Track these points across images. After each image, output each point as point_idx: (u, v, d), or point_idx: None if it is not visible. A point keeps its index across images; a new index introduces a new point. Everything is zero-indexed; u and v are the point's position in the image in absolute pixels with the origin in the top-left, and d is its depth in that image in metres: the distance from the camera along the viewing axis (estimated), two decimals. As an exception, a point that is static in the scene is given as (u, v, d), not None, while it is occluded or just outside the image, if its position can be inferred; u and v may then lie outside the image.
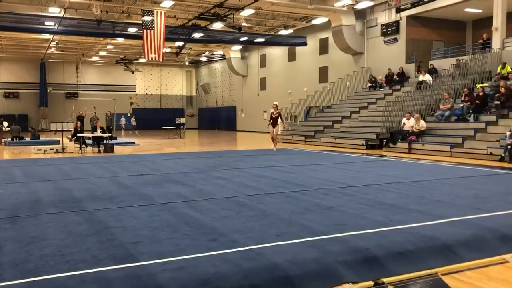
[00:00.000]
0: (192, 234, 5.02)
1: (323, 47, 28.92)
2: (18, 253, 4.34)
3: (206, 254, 4.27)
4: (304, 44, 29.54)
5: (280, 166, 11.71)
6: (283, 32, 29.40)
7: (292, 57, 32.40)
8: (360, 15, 25.17)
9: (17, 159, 15.16)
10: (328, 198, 7.17)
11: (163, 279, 3.61)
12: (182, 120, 31.88)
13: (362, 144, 18.27)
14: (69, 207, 6.54)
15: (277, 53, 34.15)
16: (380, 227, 5.23)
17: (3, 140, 23.25)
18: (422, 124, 16.68)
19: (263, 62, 36.31)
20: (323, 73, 29.03)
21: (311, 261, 4.08)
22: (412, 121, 16.90)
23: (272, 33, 30.15)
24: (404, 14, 22.40)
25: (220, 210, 6.26)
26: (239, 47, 36.56)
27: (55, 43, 33.28)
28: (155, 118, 42.71)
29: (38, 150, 17.02)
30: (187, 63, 45.78)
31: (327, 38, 28.14)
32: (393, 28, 23.43)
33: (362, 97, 23.96)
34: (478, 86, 17.18)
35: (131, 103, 43.28)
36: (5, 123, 25.05)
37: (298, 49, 31.06)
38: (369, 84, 24.16)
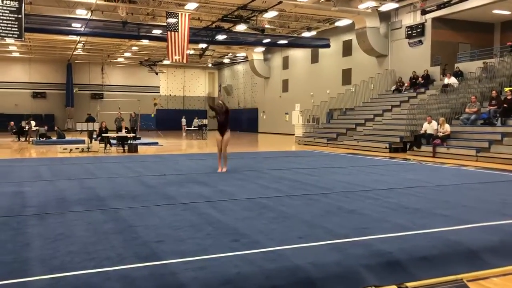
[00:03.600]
0: (214, 234, 5.06)
1: (347, 49, 28.74)
2: (45, 249, 4.44)
3: (228, 254, 4.29)
4: (327, 46, 29.42)
5: (302, 168, 11.68)
6: (306, 34, 29.34)
7: (315, 59, 32.29)
8: (385, 17, 24.92)
9: (44, 157, 15.51)
10: (350, 201, 7.12)
11: (185, 278, 3.65)
12: (205, 121, 32.11)
13: (386, 148, 18.06)
14: (94, 205, 6.67)
15: (299, 55, 34.09)
16: (404, 231, 5.17)
17: (31, 139, 23.84)
18: (446, 128, 16.40)
19: (285, 64, 36.29)
20: (346, 75, 28.84)
21: (333, 264, 4.06)
22: (434, 124, 16.62)
23: (295, 35, 30.12)
24: (429, 16, 22.08)
25: (241, 211, 6.29)
26: (261, 49, 36.64)
27: (82, 44, 33.98)
28: (178, 119, 43.08)
29: (64, 149, 17.39)
30: (210, 65, 46.11)
31: (350, 40, 27.95)
32: (418, 30, 23.12)
33: (386, 100, 23.71)
34: (506, 89, 16.78)
35: (155, 104, 43.78)
36: (33, 123, 25.67)
37: (321, 51, 30.95)
38: (394, 87, 23.89)
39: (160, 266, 3.96)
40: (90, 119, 21.97)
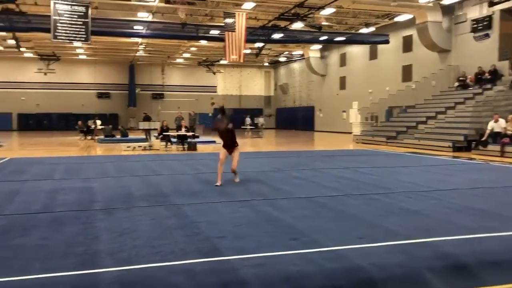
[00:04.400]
0: (273, 231, 5.08)
1: (407, 45, 27.83)
2: (113, 243, 4.66)
3: (288, 252, 4.30)
4: (386, 42, 28.62)
5: (361, 168, 11.46)
6: (364, 30, 28.70)
7: (373, 55, 31.54)
8: (448, 10, 23.87)
9: (109, 155, 16.24)
10: (413, 201, 6.90)
11: (246, 275, 3.70)
12: (261, 120, 32.30)
13: (449, 146, 17.32)
14: (157, 201, 6.91)
15: (357, 51, 33.44)
16: (470, 234, 4.94)
17: (96, 137, 25.05)
18: (516, 126, 15.47)
19: (343, 61, 35.73)
20: (407, 72, 27.94)
21: (396, 265, 3.96)
22: (502, 122, 15.71)
23: (353, 31, 29.55)
24: (497, 7, 20.87)
25: (299, 210, 6.27)
26: (318, 46, 36.28)
27: (143, 46, 35.23)
28: (234, 118, 43.58)
29: (127, 147, 18.14)
30: (266, 64, 46.28)
31: (411, 36, 27.04)
32: (485, 23, 21.93)
33: (449, 97, 22.71)
34: None
35: (212, 104, 44.60)
36: (98, 122, 26.96)
37: (380, 47, 30.18)
38: (457, 84, 22.84)
39: (222, 262, 4.04)
40: (147, 118, 23.12)
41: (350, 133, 28.02)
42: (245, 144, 22.96)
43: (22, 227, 5.30)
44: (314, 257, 4.16)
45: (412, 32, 26.29)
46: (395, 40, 28.56)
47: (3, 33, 28.49)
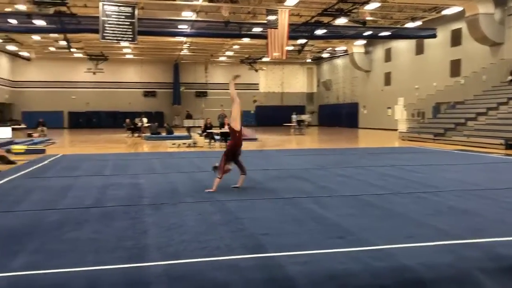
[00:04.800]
0: (318, 229, 5.05)
1: (455, 39, 26.87)
2: (161, 237, 4.78)
3: (333, 250, 4.27)
4: (434, 36, 27.76)
5: (407, 165, 11.18)
6: (410, 24, 27.94)
7: (419, 50, 30.66)
8: (500, 1, 22.85)
9: (155, 152, 16.66)
10: (463, 200, 6.67)
11: (292, 272, 3.70)
12: (303, 117, 32.13)
13: (501, 144, 16.60)
14: (202, 197, 7.02)
15: (403, 46, 32.60)
16: (526, 235, 4.72)
17: (143, 135, 25.74)
18: None
19: (387, 56, 34.95)
20: (455, 66, 26.98)
21: (446, 266, 3.85)
22: None
23: (399, 26, 28.84)
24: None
25: (345, 208, 6.20)
26: (362, 42, 35.66)
27: (187, 45, 35.83)
28: (276, 115, 43.62)
29: (172, 144, 18.53)
30: (308, 60, 45.95)
31: (460, 29, 26.09)
32: (541, 13, 20.86)
33: (501, 92, 21.74)
34: None
35: (254, 101, 44.79)
36: (145, 120, 27.68)
37: (427, 41, 29.30)
38: (510, 78, 21.83)
39: (267, 258, 4.06)
40: (189, 116, 24.14)
41: (396, 130, 27.39)
42: (287, 141, 22.91)
43: (76, 221, 5.54)
44: (361, 255, 4.10)
45: (461, 25, 25.37)
46: (443, 34, 27.64)
47: (55, 35, 29.76)
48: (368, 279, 3.59)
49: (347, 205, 6.39)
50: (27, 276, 3.69)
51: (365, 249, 4.28)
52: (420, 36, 28.80)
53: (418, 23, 27.73)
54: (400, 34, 29.13)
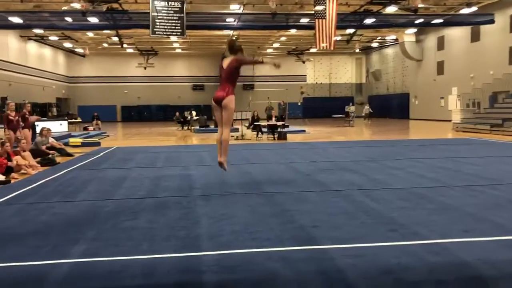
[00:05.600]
0: (369, 222, 4.96)
1: (515, 24, 25.45)
2: (212, 228, 4.86)
3: (386, 244, 4.18)
4: (491, 22, 26.34)
5: (462, 158, 10.75)
6: (465, 10, 26.68)
7: (475, 37, 29.27)
8: None
9: (204, 144, 16.92)
10: (524, 194, 6.34)
11: (344, 265, 3.65)
12: (352, 109, 31.59)
13: None
14: (251, 189, 7.07)
15: (457, 33, 31.24)
16: None
17: (192, 127, 26.21)
18: None
19: (440, 44, 33.62)
20: (515, 54, 25.58)
21: (508, 262, 3.67)
22: None
23: (452, 12, 27.63)
24: None
25: (397, 201, 6.05)
26: (413, 30, 34.47)
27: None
28: (324, 107, 43.21)
29: (221, 136, 18.73)
30: (357, 50, 45.04)
31: (520, 13, 24.67)
32: None
33: None
34: None
35: (302, 93, 44.50)
36: (194, 113, 28.17)
37: (483, 28, 27.90)
38: None
39: (318, 251, 4.03)
40: None
41: (449, 121, 26.39)
42: (336, 133, 22.62)
43: (131, 210, 5.73)
44: (415, 249, 3.99)
45: (522, 9, 23.97)
46: (501, 19, 26.22)
47: (108, 31, 30.79)
48: (424, 274, 3.48)
49: (399, 198, 6.23)
50: (86, 263, 3.85)
51: (419, 243, 4.16)
52: (476, 22, 27.43)
53: (474, 8, 26.44)
54: (454, 21, 27.88)
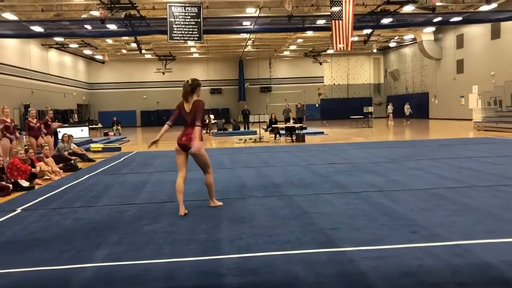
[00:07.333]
0: (390, 224, 4.93)
1: (537, 20, 24.89)
2: (232, 231, 4.89)
3: (407, 245, 4.15)
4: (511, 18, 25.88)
5: (484, 157, 10.58)
6: (484, 7, 26.23)
7: (495, 34, 28.75)
8: None
9: (223, 147, 17.01)
10: (549, 194, 6.21)
11: (365, 267, 3.64)
12: (370, 109, 31.33)
13: None
14: (270, 191, 7.09)
15: (476, 31, 30.74)
16: None
17: (211, 131, 26.35)
18: None
19: (459, 42, 33.12)
20: (537, 50, 25.03)
21: (533, 264, 3.60)
22: None
23: (471, 10, 27.20)
24: None
25: (417, 202, 5.99)
26: (432, 29, 34.04)
27: (251, 41, 36.11)
28: (342, 108, 43.01)
29: (239, 139, 18.81)
30: (374, 50, 44.66)
31: (542, 9, 24.14)
32: None
33: None
34: None
35: (319, 94, 44.30)
36: (212, 116, 28.32)
37: (504, 25, 27.39)
38: None
39: (338, 253, 4.02)
40: (245, 115, 26.45)
41: (470, 120, 25.96)
42: (355, 134, 22.47)
43: (152, 215, 5.80)
44: (437, 251, 3.95)
45: (544, 4, 23.47)
46: (523, 15, 25.69)
47: (127, 38, 31.20)
48: (446, 277, 3.44)
49: (420, 199, 6.16)
50: (109, 267, 3.92)
51: (441, 245, 4.12)
52: (496, 19, 26.92)
53: (493, 5, 25.96)
54: (473, 18, 27.41)
